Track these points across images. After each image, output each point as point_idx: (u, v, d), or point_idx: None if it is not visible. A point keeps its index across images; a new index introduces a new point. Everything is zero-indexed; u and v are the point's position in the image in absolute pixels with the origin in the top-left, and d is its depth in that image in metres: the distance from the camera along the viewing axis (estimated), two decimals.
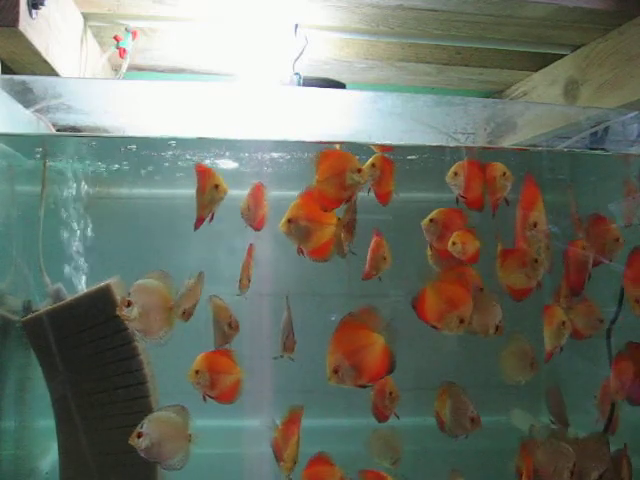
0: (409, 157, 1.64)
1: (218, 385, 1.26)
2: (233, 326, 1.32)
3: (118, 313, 1.11)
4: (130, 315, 1.11)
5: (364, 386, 1.12)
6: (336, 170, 1.26)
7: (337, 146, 1.38)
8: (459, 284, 1.26)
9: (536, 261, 1.32)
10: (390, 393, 1.35)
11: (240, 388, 1.29)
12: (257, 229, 1.37)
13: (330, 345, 1.10)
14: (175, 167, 1.79)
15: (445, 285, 1.27)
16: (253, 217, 1.36)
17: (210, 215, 1.28)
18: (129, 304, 1.12)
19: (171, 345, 1.52)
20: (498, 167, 1.36)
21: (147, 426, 1.12)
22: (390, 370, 1.12)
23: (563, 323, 1.36)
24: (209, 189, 1.26)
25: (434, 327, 1.25)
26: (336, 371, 1.09)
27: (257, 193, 1.37)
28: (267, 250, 1.41)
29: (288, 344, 1.32)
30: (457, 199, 1.38)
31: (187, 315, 1.23)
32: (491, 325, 1.28)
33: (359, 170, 1.25)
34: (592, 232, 1.44)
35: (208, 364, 1.26)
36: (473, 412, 1.29)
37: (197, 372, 1.25)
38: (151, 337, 1.16)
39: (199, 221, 1.28)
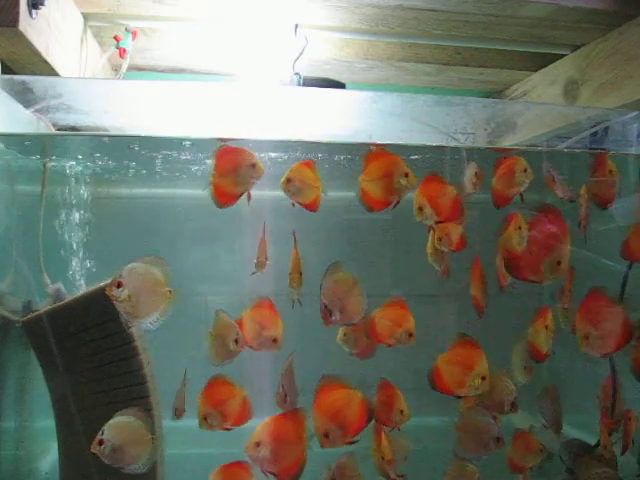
0: (412, 157, 1.63)
1: (229, 415, 1.23)
2: (239, 343, 1.26)
3: (107, 293, 1.09)
4: (120, 296, 1.09)
5: (352, 442, 1.17)
6: (384, 172, 1.26)
7: (372, 147, 1.35)
8: (470, 346, 1.27)
9: (520, 228, 1.33)
10: (401, 411, 1.30)
11: (249, 405, 1.26)
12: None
13: (314, 410, 1.15)
14: (175, 167, 1.79)
15: (455, 352, 1.28)
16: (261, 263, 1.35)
17: (248, 195, 1.23)
18: (119, 285, 1.10)
19: (171, 345, 1.52)
20: (520, 162, 1.35)
21: (107, 432, 1.12)
22: (369, 421, 1.19)
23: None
24: (245, 167, 1.21)
25: (459, 396, 1.27)
26: (327, 435, 1.13)
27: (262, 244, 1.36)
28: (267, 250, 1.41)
29: (280, 400, 1.26)
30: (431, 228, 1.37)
31: (178, 414, 1.23)
32: (507, 403, 1.28)
33: (406, 174, 1.24)
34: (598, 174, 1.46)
35: (212, 402, 1.22)
36: (499, 432, 1.25)
37: (206, 418, 1.22)
38: (141, 320, 1.14)
39: (229, 198, 1.23)
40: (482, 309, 1.40)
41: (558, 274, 1.33)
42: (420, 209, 1.29)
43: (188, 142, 1.54)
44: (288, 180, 1.25)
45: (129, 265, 1.13)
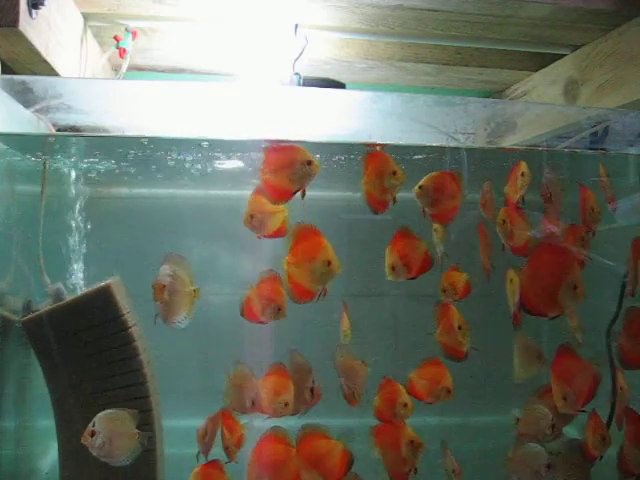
0: (415, 157, 1.64)
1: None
2: (252, 402, 1.28)
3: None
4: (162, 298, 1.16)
5: None
6: (376, 174, 1.28)
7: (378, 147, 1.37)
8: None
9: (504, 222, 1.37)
10: (405, 404, 1.32)
11: (244, 440, 1.29)
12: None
13: (297, 456, 1.21)
14: (175, 167, 1.79)
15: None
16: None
17: (302, 192, 1.23)
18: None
19: (171, 346, 1.52)
20: (521, 165, 1.37)
21: (99, 424, 1.14)
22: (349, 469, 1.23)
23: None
24: (300, 165, 1.21)
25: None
26: None
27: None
28: (267, 249, 1.41)
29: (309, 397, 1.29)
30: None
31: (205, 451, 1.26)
32: (546, 427, 1.30)
33: (394, 172, 1.27)
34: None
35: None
36: (549, 459, 1.27)
37: (227, 449, 1.25)
38: (172, 322, 1.19)
39: (285, 194, 1.24)
40: (489, 272, 1.42)
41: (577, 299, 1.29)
42: (392, 268, 1.30)
43: (190, 141, 1.54)
44: (251, 216, 1.27)
45: (161, 270, 1.18)
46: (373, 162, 1.29)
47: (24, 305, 1.48)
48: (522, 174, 1.35)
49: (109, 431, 1.15)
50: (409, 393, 1.36)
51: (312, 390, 1.27)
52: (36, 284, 1.51)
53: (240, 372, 1.30)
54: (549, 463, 1.27)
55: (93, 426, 1.14)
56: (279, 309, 1.25)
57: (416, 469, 1.30)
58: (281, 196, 1.25)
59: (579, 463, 1.38)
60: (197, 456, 1.26)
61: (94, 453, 1.14)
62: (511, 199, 1.39)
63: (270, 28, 1.67)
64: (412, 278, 1.32)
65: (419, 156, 1.62)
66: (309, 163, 1.21)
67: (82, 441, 1.14)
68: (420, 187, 1.30)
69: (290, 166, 1.22)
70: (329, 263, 1.20)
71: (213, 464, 1.24)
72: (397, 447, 1.30)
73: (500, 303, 1.37)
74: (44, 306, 1.44)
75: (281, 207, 1.29)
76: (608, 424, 1.47)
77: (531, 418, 1.33)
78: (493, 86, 2.19)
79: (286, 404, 1.26)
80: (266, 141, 1.33)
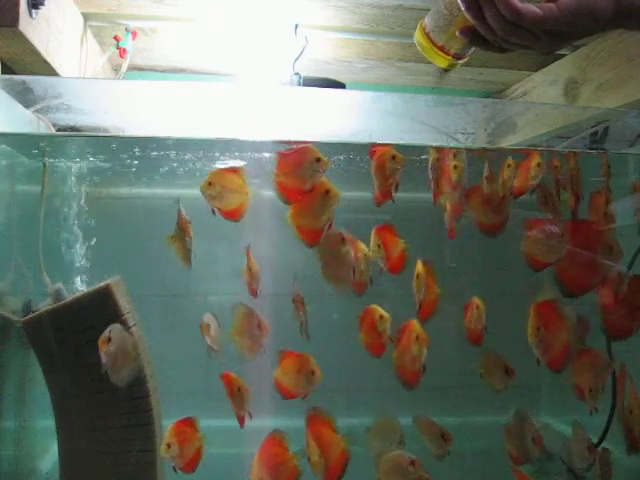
0: (422, 157, 1.64)
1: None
2: (263, 328, 1.32)
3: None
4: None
5: None
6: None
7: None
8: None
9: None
10: (381, 316, 1.35)
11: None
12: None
13: (307, 442, 1.25)
14: (175, 167, 1.79)
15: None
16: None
17: (310, 189, 1.25)
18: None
19: (171, 345, 1.52)
20: (536, 156, 1.39)
21: (113, 334, 1.20)
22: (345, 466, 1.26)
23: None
24: (309, 163, 1.22)
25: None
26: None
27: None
28: (267, 250, 1.41)
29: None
30: None
31: None
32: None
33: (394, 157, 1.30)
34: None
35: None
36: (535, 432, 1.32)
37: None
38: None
39: (298, 194, 1.25)
40: (490, 229, 1.43)
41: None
42: (378, 246, 1.36)
43: (190, 142, 1.54)
44: (209, 184, 1.27)
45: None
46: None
47: (24, 305, 1.48)
48: (538, 164, 1.36)
49: (120, 343, 1.20)
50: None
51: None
52: (36, 284, 1.51)
53: (241, 312, 1.32)
54: (533, 437, 1.31)
55: (109, 333, 1.20)
56: None
57: (425, 367, 1.31)
58: (295, 196, 1.26)
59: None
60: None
61: (103, 359, 1.19)
62: (520, 190, 1.40)
63: (270, 28, 1.67)
64: (387, 269, 1.36)
65: (425, 156, 1.62)
66: (317, 160, 1.23)
67: (99, 344, 1.19)
68: (437, 160, 1.37)
69: (300, 165, 1.23)
70: (327, 192, 1.25)
71: (187, 421, 1.28)
72: (407, 345, 1.33)
73: (502, 303, 1.37)
74: (44, 306, 1.44)
75: (245, 189, 1.29)
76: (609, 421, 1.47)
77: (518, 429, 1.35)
78: (493, 86, 2.19)
79: (313, 372, 1.29)
80: (269, 142, 1.34)
